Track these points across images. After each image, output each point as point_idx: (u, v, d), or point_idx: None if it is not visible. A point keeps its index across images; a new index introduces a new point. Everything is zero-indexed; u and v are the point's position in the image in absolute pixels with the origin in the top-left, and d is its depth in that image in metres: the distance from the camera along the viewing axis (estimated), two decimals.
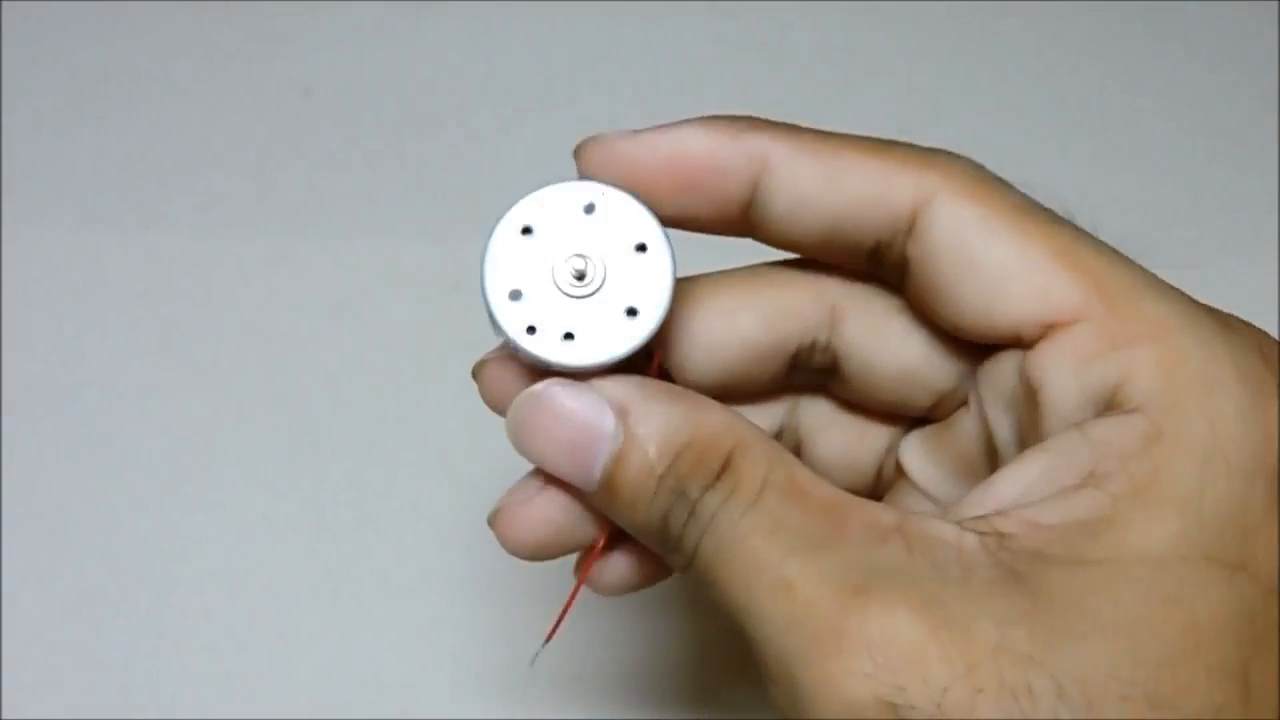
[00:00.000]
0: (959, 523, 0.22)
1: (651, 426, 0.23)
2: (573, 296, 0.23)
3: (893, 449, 0.28)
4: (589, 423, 0.23)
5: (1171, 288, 0.23)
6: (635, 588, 0.27)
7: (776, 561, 0.21)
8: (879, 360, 0.26)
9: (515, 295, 0.23)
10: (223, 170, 0.49)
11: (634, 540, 0.25)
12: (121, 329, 0.45)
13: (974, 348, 0.25)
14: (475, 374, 0.26)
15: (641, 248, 0.24)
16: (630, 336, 0.23)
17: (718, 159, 0.24)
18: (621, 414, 0.23)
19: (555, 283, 0.23)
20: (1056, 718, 0.19)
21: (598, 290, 0.23)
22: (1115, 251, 0.23)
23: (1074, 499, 0.21)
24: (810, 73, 0.53)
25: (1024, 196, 0.24)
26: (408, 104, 0.51)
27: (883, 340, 0.26)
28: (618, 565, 0.27)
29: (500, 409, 0.25)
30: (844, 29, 0.54)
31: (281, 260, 0.47)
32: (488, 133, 0.50)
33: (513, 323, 0.23)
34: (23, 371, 0.44)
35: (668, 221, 0.25)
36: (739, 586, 0.22)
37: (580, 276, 0.23)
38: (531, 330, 0.23)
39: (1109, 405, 0.22)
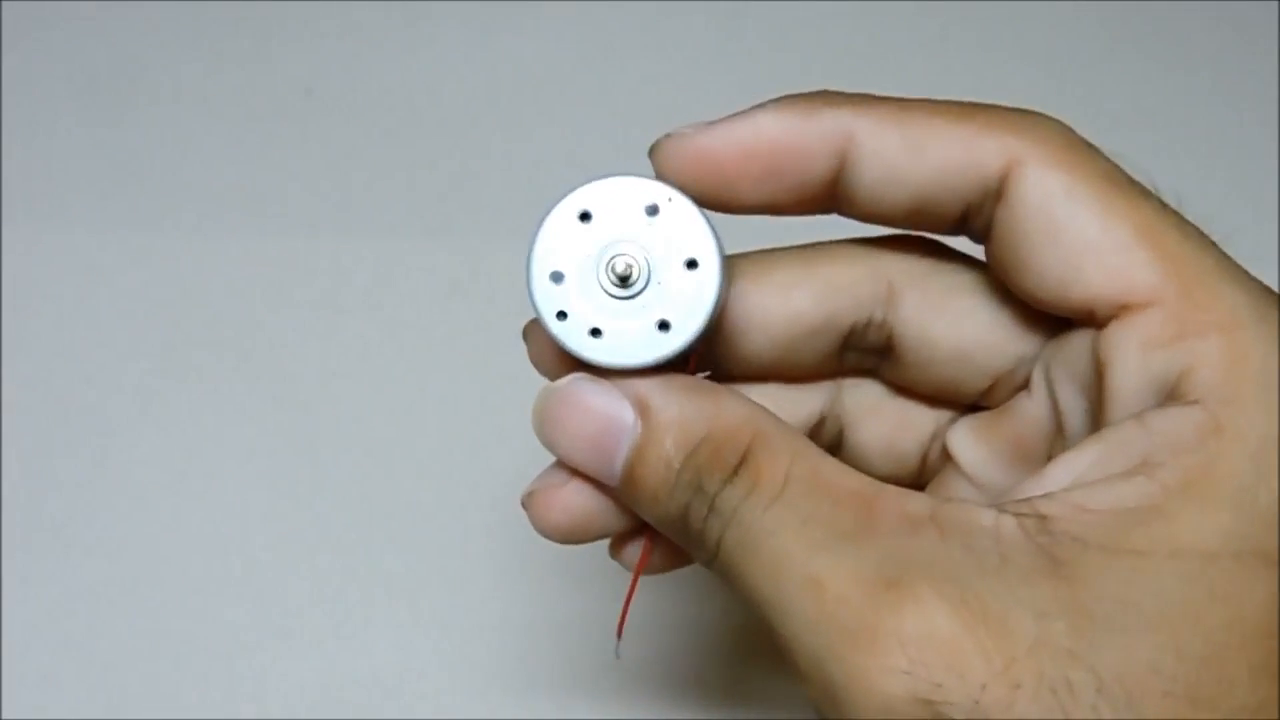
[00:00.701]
0: (997, 507, 0.21)
1: (669, 420, 0.23)
2: (611, 295, 0.23)
3: (939, 436, 0.28)
4: (609, 417, 0.23)
5: (1249, 276, 0.23)
6: (679, 566, 0.27)
7: (804, 557, 0.21)
8: (936, 338, 0.26)
9: (557, 277, 0.23)
10: (224, 170, 0.49)
11: None
12: (121, 329, 0.45)
13: (1037, 329, 0.25)
14: (526, 334, 0.26)
15: (692, 264, 0.23)
16: (655, 350, 0.23)
17: (798, 140, 0.24)
18: (641, 408, 0.23)
19: (598, 276, 0.23)
20: (1097, 715, 0.19)
21: (637, 296, 0.23)
22: (1197, 231, 0.23)
23: (1123, 486, 0.21)
24: (811, 73, 0.53)
25: (1113, 165, 0.23)
26: (409, 104, 0.51)
27: (941, 318, 0.26)
28: (662, 547, 0.26)
29: (543, 371, 0.26)
30: (845, 29, 0.54)
31: (281, 259, 0.47)
32: (489, 133, 0.50)
33: (547, 304, 0.23)
34: (23, 371, 0.44)
35: (753, 209, 0.24)
36: (765, 583, 0.21)
37: (623, 280, 0.23)
38: (562, 316, 0.23)
39: (1172, 395, 0.22)
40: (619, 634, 0.27)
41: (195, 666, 0.40)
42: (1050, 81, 0.53)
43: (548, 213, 0.23)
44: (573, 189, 0.23)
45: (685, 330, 0.23)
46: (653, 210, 0.23)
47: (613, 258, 0.23)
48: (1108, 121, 0.52)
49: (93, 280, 0.46)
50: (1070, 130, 0.24)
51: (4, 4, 0.52)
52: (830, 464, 0.22)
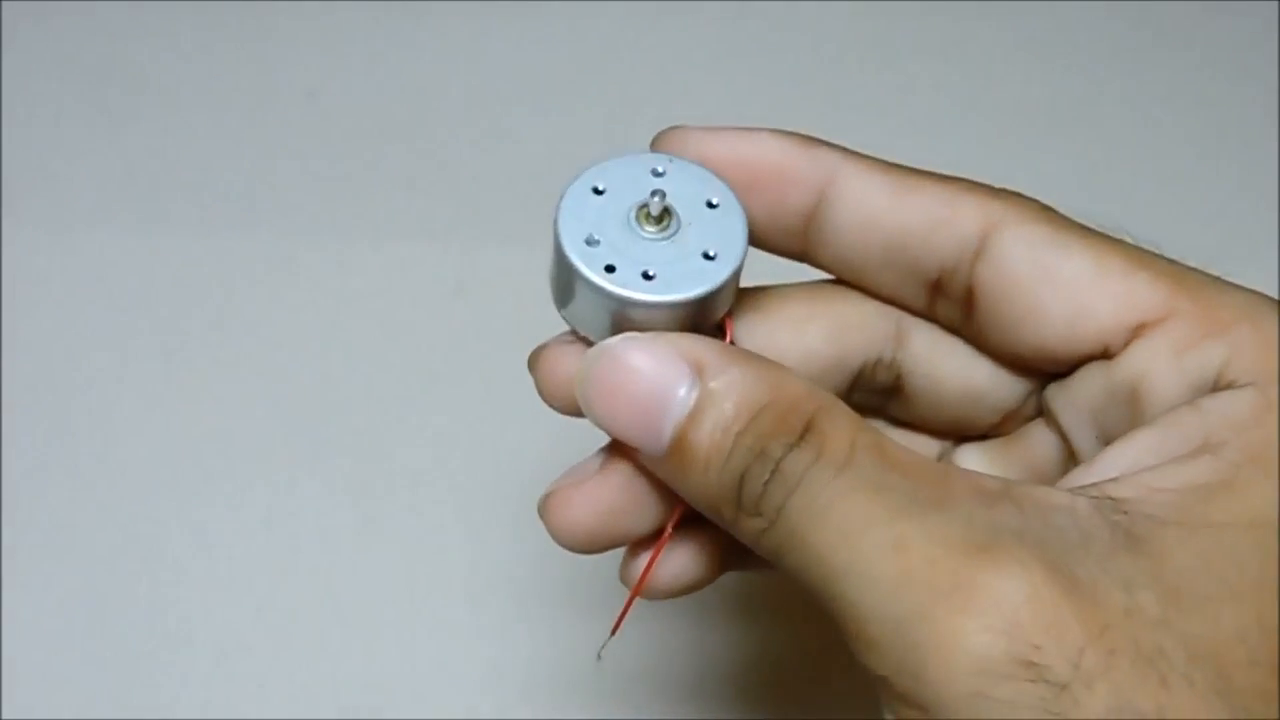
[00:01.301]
0: (1068, 490, 0.22)
1: (729, 383, 0.22)
2: (650, 239, 0.24)
3: (944, 457, 0.28)
4: (662, 377, 0.22)
5: (1238, 284, 0.24)
6: (685, 590, 0.26)
7: (884, 520, 0.20)
8: (945, 377, 0.26)
9: (591, 242, 0.23)
10: (225, 172, 0.49)
11: (689, 537, 0.25)
12: (122, 331, 0.45)
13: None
14: (532, 362, 0.25)
15: (711, 204, 0.24)
16: (710, 277, 0.23)
17: (789, 165, 0.25)
18: (698, 369, 0.22)
19: (631, 229, 0.24)
20: (1191, 683, 0.19)
21: (674, 236, 0.24)
22: (1182, 263, 0.24)
23: (1190, 465, 0.21)
24: (811, 74, 0.53)
25: (1088, 225, 0.24)
26: (410, 106, 0.51)
27: (950, 357, 0.26)
28: (673, 563, 0.26)
29: (557, 399, 0.25)
30: (845, 30, 0.54)
31: (284, 262, 0.47)
32: (491, 135, 0.50)
33: (591, 263, 0.23)
34: (23, 372, 0.44)
35: None
36: (837, 548, 0.21)
37: (659, 218, 0.24)
38: (610, 269, 0.23)
39: (1214, 387, 0.22)
40: (613, 631, 0.27)
41: (195, 666, 0.40)
42: (1050, 82, 0.53)
43: (564, 194, 0.24)
44: (580, 172, 0.24)
45: (730, 256, 0.24)
46: (658, 174, 0.24)
47: (643, 205, 0.24)
48: (1108, 121, 0.52)
49: (93, 280, 0.46)
50: (1043, 203, 0.25)
51: (4, 3, 0.52)
52: (893, 441, 0.22)
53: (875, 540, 0.20)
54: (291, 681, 0.40)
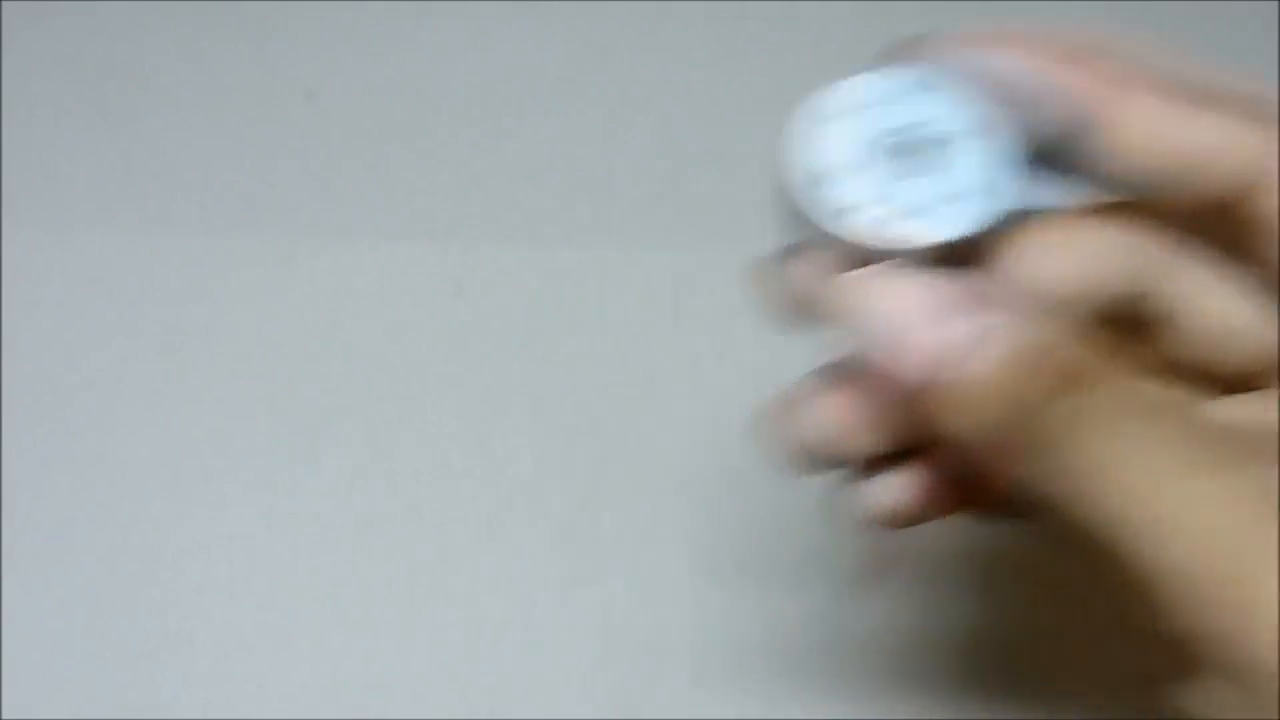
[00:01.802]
0: None
1: (1001, 327, 0.20)
2: (899, 175, 0.21)
3: None
4: (943, 308, 0.21)
5: None
6: (912, 521, 0.25)
7: (1196, 474, 0.19)
8: (1213, 317, 0.24)
9: (827, 177, 0.21)
10: (224, 173, 0.49)
11: (923, 466, 0.24)
12: (122, 331, 0.45)
13: None
14: (756, 276, 0.24)
15: (975, 132, 0.21)
16: (973, 216, 0.21)
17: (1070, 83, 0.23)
18: (981, 303, 0.21)
19: (878, 161, 0.21)
20: None
21: (928, 170, 0.21)
22: None
23: None
24: (811, 73, 0.53)
25: None
26: (410, 106, 0.51)
27: (1219, 296, 0.24)
28: (903, 490, 0.25)
29: (790, 307, 0.23)
30: (846, 29, 0.54)
31: (283, 262, 0.47)
32: (491, 135, 0.50)
33: (825, 205, 0.21)
34: (23, 372, 0.44)
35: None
36: (1143, 500, 0.19)
37: (915, 149, 0.21)
38: (848, 211, 0.21)
39: None
40: (877, 575, 0.25)
41: (195, 666, 0.40)
42: None
43: (800, 119, 0.21)
44: (818, 91, 0.22)
45: (994, 191, 0.21)
46: (912, 94, 0.22)
47: (890, 134, 0.21)
48: None
49: (93, 280, 0.46)
50: None
51: (4, 3, 0.52)
52: (1185, 394, 0.21)
53: (1188, 494, 0.19)
54: (291, 681, 0.40)
